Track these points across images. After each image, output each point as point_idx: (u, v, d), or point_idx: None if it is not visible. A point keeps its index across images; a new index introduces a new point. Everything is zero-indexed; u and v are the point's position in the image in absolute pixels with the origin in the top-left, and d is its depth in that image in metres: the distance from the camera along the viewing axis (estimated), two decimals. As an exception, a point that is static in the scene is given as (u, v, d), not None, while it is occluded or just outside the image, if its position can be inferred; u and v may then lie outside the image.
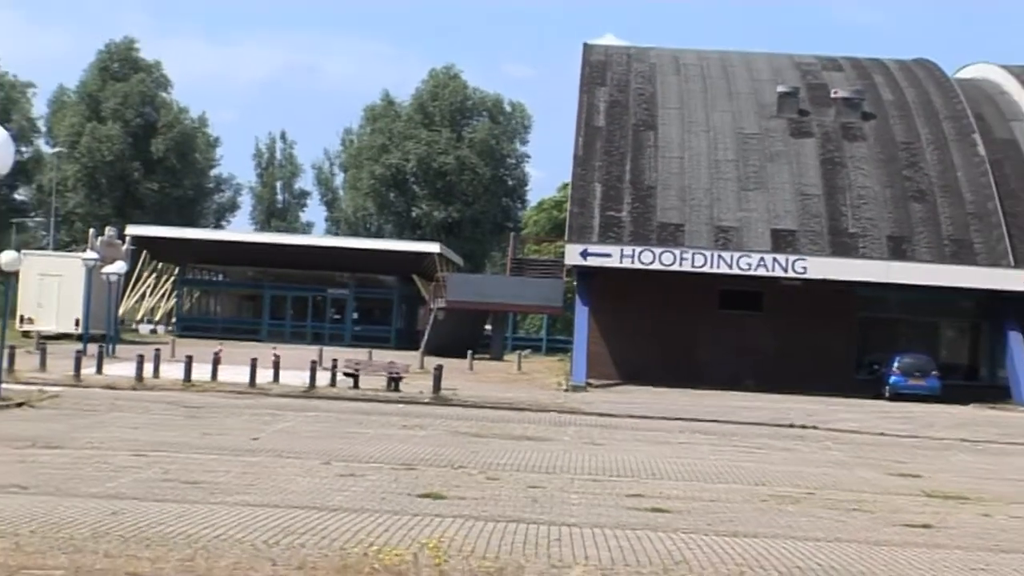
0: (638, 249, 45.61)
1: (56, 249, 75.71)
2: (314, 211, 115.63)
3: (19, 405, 25.92)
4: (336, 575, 9.94)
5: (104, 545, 10.87)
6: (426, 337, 56.40)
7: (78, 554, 10.32)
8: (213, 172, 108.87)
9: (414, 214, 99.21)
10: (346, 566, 10.27)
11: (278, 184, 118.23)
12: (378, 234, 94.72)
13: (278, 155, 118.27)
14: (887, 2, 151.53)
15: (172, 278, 73.68)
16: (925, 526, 15.44)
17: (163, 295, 74.33)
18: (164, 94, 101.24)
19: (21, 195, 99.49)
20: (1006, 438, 31.59)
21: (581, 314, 46.58)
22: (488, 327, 66.67)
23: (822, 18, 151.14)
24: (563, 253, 49.96)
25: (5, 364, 29.82)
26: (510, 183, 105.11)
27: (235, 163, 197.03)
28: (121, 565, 9.93)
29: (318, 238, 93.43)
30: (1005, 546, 14.19)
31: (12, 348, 33.11)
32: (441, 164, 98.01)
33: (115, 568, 9.78)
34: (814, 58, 57.06)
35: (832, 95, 52.76)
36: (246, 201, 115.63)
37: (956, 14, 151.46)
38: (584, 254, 45.93)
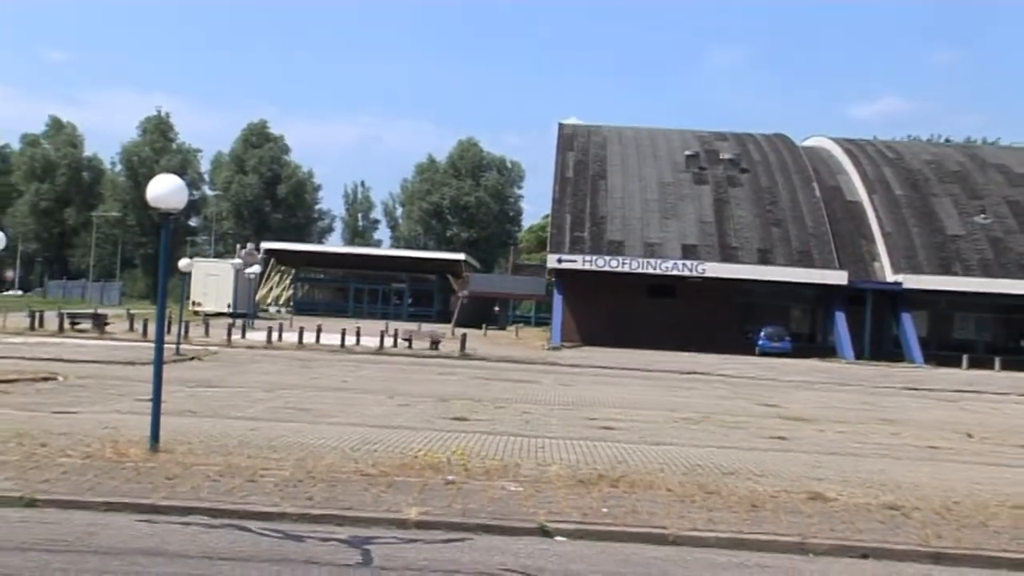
0: (595, 257, 45.72)
1: (215, 257, 75.65)
2: (382, 232, 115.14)
3: (191, 359, 26.02)
4: (397, 470, 9.95)
5: (246, 450, 10.91)
6: (455, 315, 56.41)
7: (229, 456, 10.36)
8: (316, 207, 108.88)
9: (448, 234, 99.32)
10: (404, 464, 10.29)
11: (359, 215, 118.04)
12: (424, 248, 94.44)
13: (359, 195, 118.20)
14: (759, 93, 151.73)
15: (290, 276, 73.73)
16: (781, 438, 15.49)
17: (284, 287, 74.37)
18: (285, 156, 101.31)
19: (192, 222, 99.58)
20: (833, 381, 31.67)
21: (557, 300, 46.74)
22: (496, 308, 66.63)
23: (716, 105, 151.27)
24: (546, 260, 49.96)
25: (183, 333, 29.96)
26: (511, 214, 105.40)
27: (331, 201, 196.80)
28: (258, 463, 9.96)
29: (385, 250, 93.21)
30: (833, 450, 14.24)
31: (187, 323, 33.20)
32: (466, 202, 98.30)
33: (253, 466, 9.80)
34: (709, 132, 57.06)
35: (721, 157, 52.76)
36: (338, 226, 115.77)
37: (803, 104, 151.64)
38: (559, 261, 45.98)
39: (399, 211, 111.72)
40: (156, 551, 6.93)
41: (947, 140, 78.35)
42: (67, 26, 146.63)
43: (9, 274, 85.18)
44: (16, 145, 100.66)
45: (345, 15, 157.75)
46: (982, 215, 49.35)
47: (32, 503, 8.10)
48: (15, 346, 26.32)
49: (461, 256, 68.53)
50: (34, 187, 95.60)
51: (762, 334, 44.68)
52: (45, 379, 18.65)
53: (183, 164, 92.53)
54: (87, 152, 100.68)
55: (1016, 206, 50.07)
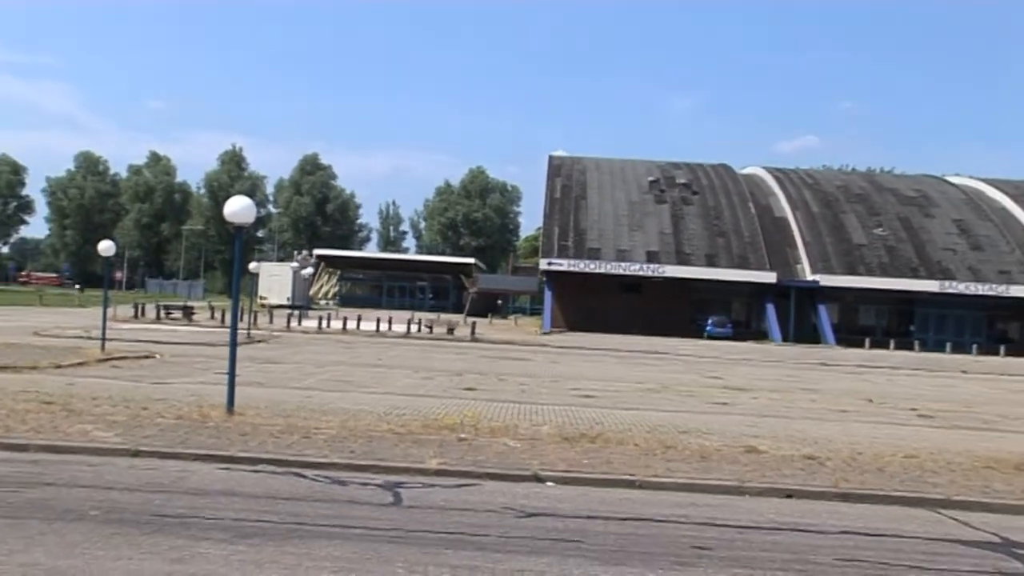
0: (577, 261, 45.71)
1: (277, 261, 75.37)
2: (409, 241, 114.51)
3: (259, 341, 26.02)
4: (422, 429, 9.96)
5: (302, 413, 10.93)
6: (467, 307, 56.26)
7: (289, 417, 10.37)
8: (358, 221, 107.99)
9: (461, 243, 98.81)
10: (426, 425, 10.30)
11: (391, 227, 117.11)
12: (442, 253, 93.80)
13: (391, 212, 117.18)
14: (708, 131, 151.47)
15: (337, 276, 73.54)
16: (724, 404, 15.52)
17: (332, 285, 74.15)
18: (333, 181, 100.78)
19: (259, 234, 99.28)
20: (765, 358, 31.71)
21: (547, 295, 46.64)
22: (499, 302, 66.56)
23: (674, 140, 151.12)
24: (538, 263, 49.91)
25: (252, 321, 29.93)
26: (510, 227, 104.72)
27: (369, 216, 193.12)
28: (312, 423, 9.97)
29: (411, 255, 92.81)
30: (766, 413, 14.26)
31: (255, 313, 33.20)
32: (475, 217, 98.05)
33: (308, 425, 9.80)
34: (667, 162, 56.88)
35: (676, 182, 52.66)
36: (374, 236, 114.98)
37: (741, 140, 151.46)
38: (549, 264, 45.95)
39: (422, 224, 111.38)
40: (232, 492, 6.96)
41: (853, 169, 78.19)
42: (164, 82, 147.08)
43: (118, 275, 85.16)
44: (124, 173, 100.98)
45: (382, 71, 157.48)
46: (879, 228, 49.45)
47: (136, 454, 8.13)
48: (123, 331, 26.31)
49: (471, 260, 68.44)
50: (137, 207, 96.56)
51: (709, 322, 44.68)
52: (146, 357, 18.67)
53: (253, 188, 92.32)
54: (178, 179, 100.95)
55: (905, 221, 50.22)
